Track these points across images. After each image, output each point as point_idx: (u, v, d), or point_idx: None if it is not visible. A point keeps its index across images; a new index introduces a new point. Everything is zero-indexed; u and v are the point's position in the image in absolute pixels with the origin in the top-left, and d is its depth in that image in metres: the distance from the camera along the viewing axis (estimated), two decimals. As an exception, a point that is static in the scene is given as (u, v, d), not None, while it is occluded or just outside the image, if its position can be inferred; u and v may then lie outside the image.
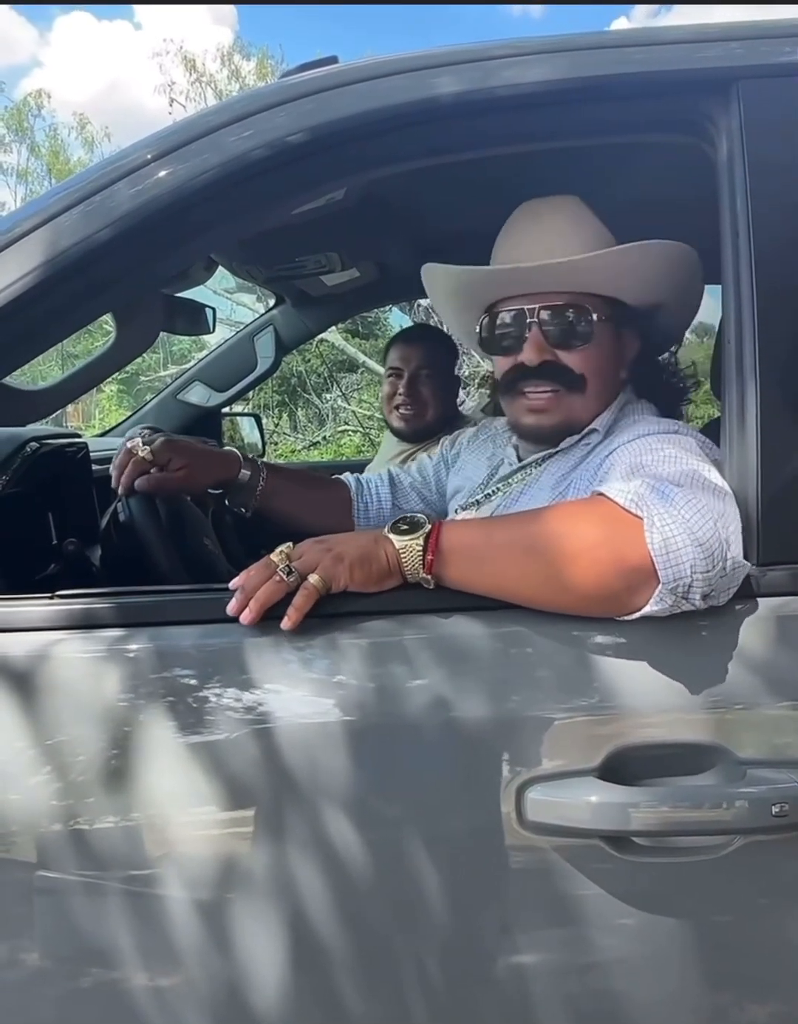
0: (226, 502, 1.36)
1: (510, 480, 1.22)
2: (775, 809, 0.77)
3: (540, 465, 1.20)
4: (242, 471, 1.34)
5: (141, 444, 1.22)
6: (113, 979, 0.82)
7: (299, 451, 9.89)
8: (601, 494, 0.84)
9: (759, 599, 0.84)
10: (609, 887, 0.80)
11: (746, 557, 0.85)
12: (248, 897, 0.82)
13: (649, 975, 0.83)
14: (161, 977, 0.83)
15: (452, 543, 0.84)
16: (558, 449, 1.18)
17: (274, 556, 0.85)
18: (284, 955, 0.81)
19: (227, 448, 1.38)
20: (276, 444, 10.07)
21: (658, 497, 0.80)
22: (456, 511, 1.29)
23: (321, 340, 9.58)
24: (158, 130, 0.98)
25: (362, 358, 9.80)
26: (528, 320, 1.14)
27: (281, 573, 0.83)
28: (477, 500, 1.24)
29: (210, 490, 1.34)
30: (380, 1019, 0.84)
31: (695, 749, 0.82)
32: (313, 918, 0.81)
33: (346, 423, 10.42)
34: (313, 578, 0.83)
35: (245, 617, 0.82)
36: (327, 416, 10.79)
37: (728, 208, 0.92)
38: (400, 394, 2.20)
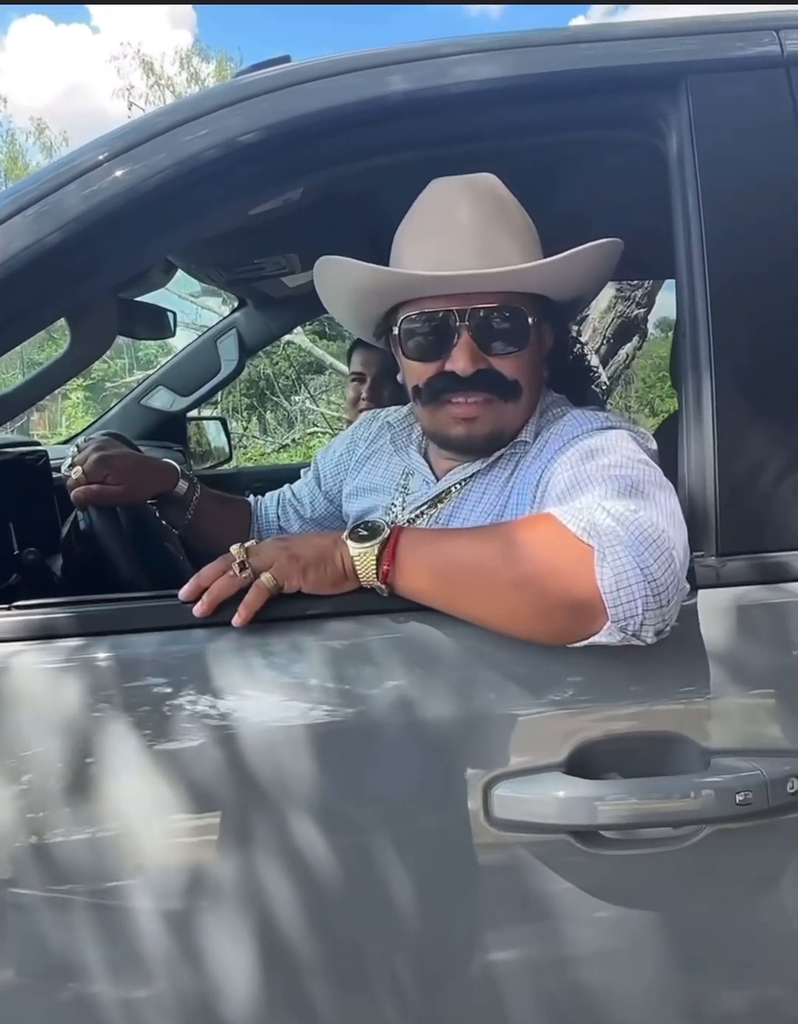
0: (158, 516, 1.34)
1: (436, 503, 1.13)
2: (739, 797, 0.78)
3: (465, 484, 1.12)
4: (180, 483, 1.32)
5: (72, 464, 1.21)
6: (92, 992, 0.81)
7: (269, 454, 9.84)
8: (551, 515, 0.81)
9: (719, 589, 0.84)
10: (578, 881, 0.81)
11: (705, 549, 0.85)
12: (216, 903, 0.81)
13: (621, 967, 0.83)
14: (135, 987, 0.82)
15: (408, 556, 0.82)
16: (486, 465, 1.10)
17: (233, 550, 0.85)
18: (253, 958, 0.81)
19: (166, 460, 1.36)
20: (246, 447, 10.02)
21: (611, 522, 0.77)
22: None
23: (288, 342, 9.54)
24: (110, 131, 0.97)
25: (329, 360, 9.76)
26: (457, 324, 1.02)
27: (235, 568, 0.83)
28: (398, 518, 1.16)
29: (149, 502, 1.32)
30: (353, 1019, 0.83)
31: (659, 740, 0.82)
32: (283, 921, 0.80)
33: (315, 425, 10.39)
34: (265, 577, 0.82)
35: (197, 609, 0.82)
36: (296, 418, 10.76)
37: (680, 203, 0.93)
38: (364, 399, 2.19)
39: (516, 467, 1.08)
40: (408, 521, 1.14)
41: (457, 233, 1.04)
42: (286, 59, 1.06)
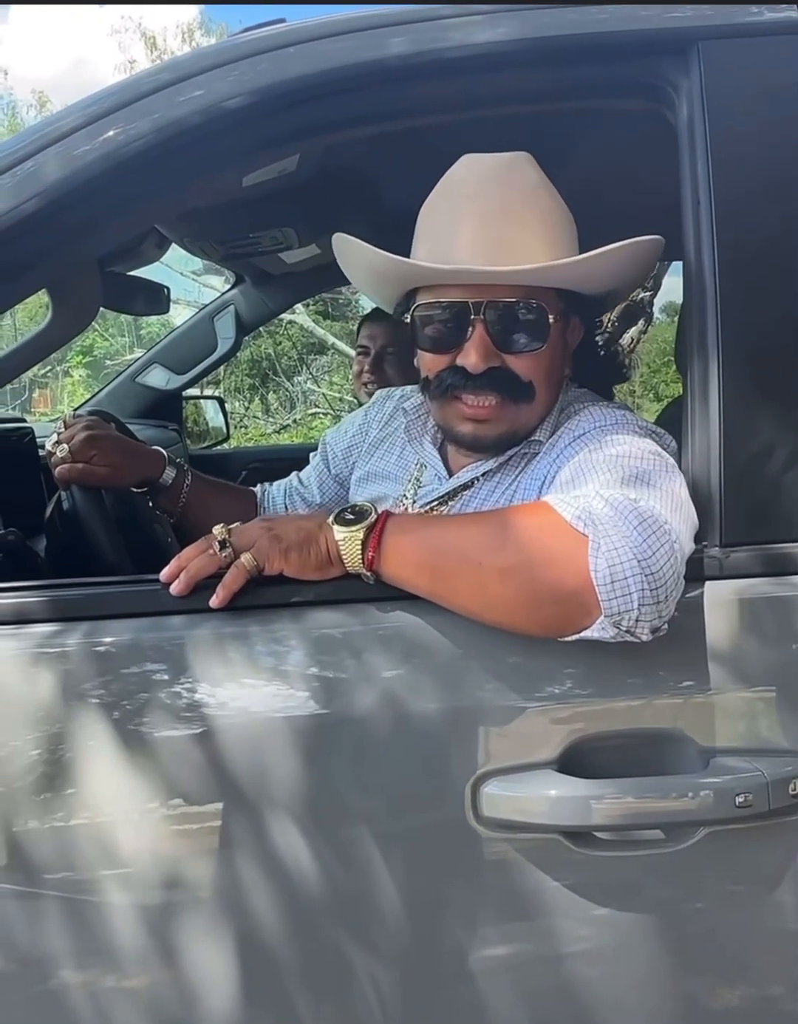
0: (150, 504, 1.30)
1: (447, 501, 1.08)
2: (739, 799, 0.75)
3: (476, 482, 1.06)
4: (167, 471, 1.28)
5: (57, 441, 1.16)
6: (69, 986, 0.79)
7: (269, 434, 9.80)
8: (545, 503, 0.78)
9: (721, 581, 0.81)
10: (570, 883, 0.78)
11: (709, 539, 0.82)
12: (195, 899, 0.78)
13: (614, 972, 0.80)
14: (113, 981, 0.79)
15: (394, 542, 0.79)
16: (498, 464, 1.05)
17: (215, 530, 0.82)
18: (234, 955, 0.78)
19: (154, 447, 1.32)
20: (246, 428, 9.98)
21: (609, 511, 0.73)
22: None
23: (290, 322, 9.49)
24: (94, 92, 0.93)
25: (332, 340, 9.71)
26: (471, 317, 0.96)
27: (215, 547, 0.81)
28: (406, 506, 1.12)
29: (134, 489, 1.28)
30: (338, 1019, 0.81)
31: (657, 738, 0.79)
32: (264, 919, 0.78)
33: (316, 406, 10.35)
34: (245, 557, 0.79)
35: (174, 588, 0.80)
36: (297, 399, 10.71)
37: (689, 177, 0.88)
38: (367, 372, 2.24)
39: (526, 466, 1.03)
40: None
41: (478, 220, 0.97)
42: (281, 22, 1.02)
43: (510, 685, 0.78)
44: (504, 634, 0.77)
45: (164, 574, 0.81)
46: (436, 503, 1.09)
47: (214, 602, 0.79)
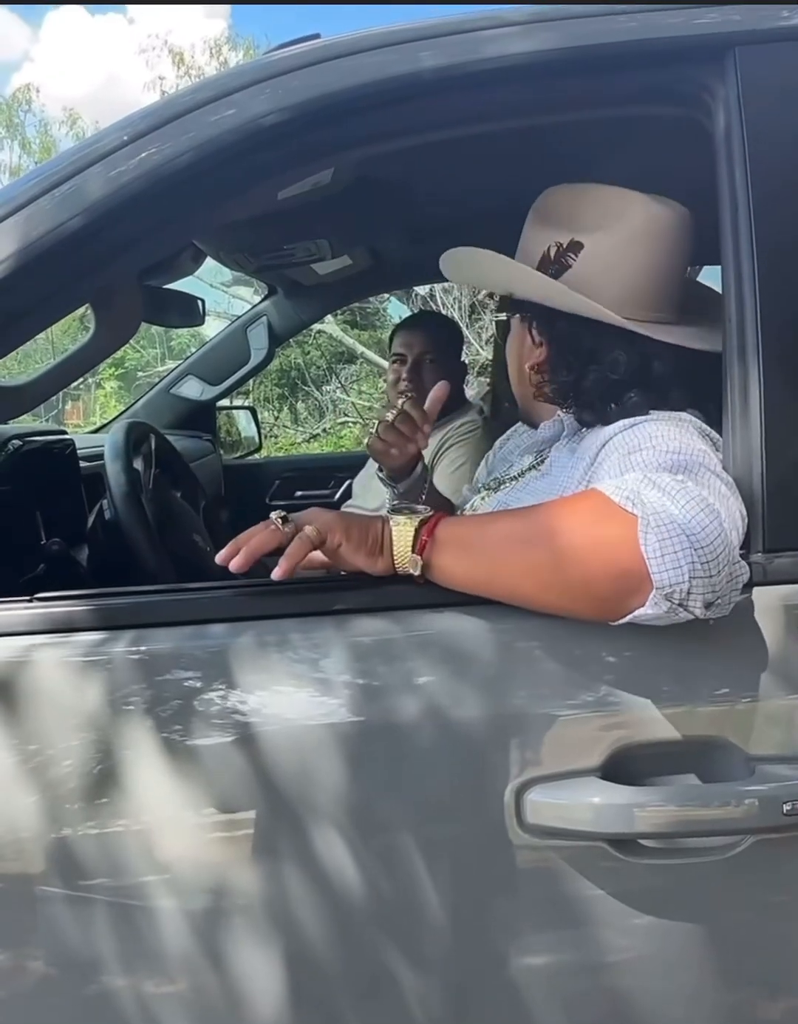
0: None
1: (521, 475, 1.13)
2: (786, 807, 0.74)
3: (545, 461, 1.09)
4: (417, 467, 1.32)
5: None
6: (110, 990, 0.80)
7: (299, 444, 9.84)
8: (595, 489, 0.80)
9: (765, 587, 0.80)
10: (614, 890, 0.77)
11: (752, 544, 0.81)
12: (237, 905, 0.79)
13: (657, 981, 0.80)
14: (152, 987, 0.80)
15: (447, 531, 0.81)
16: (543, 438, 1.10)
17: (272, 515, 0.84)
18: (276, 962, 0.79)
19: None
20: (276, 437, 10.04)
21: (655, 492, 0.75)
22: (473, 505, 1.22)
23: (319, 332, 9.53)
24: (133, 112, 0.95)
25: (361, 349, 9.74)
26: None
27: (277, 522, 0.82)
28: (488, 486, 1.18)
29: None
30: (382, 1025, 0.81)
31: (701, 745, 0.79)
32: (307, 925, 0.78)
33: (345, 414, 10.37)
34: (308, 528, 0.82)
35: (234, 563, 0.81)
36: (327, 408, 10.75)
37: (727, 182, 0.88)
38: (404, 380, 2.17)
39: (581, 439, 1.04)
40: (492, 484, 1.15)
41: None
42: (316, 36, 1.03)
43: (553, 692, 0.78)
44: (548, 641, 0.78)
45: (220, 557, 0.82)
46: (514, 479, 1.13)
47: (278, 573, 0.79)
